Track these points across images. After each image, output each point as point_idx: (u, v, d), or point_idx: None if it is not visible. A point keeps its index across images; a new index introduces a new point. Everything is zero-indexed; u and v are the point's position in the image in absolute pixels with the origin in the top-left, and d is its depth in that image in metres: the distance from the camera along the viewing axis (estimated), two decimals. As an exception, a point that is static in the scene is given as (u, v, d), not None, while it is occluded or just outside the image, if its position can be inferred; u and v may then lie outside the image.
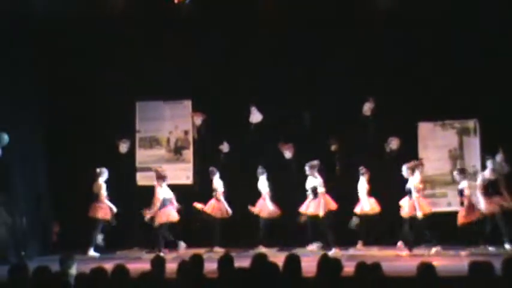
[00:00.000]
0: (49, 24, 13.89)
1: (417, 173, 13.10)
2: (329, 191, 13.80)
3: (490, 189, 13.01)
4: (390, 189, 13.81)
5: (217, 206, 14.39)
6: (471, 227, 13.02)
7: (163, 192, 13.96)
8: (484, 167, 13.60)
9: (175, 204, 14.09)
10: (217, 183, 14.45)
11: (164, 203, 13.90)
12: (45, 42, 14.43)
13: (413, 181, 13.05)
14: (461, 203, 13.16)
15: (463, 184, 13.21)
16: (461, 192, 13.18)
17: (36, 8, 13.19)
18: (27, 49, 14.19)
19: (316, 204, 13.67)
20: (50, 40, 14.44)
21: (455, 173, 13.59)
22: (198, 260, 7.33)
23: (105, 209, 14.19)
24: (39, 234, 14.46)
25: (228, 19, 14.15)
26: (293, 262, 7.08)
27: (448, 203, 13.99)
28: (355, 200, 13.97)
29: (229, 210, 14.36)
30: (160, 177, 14.03)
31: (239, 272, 6.98)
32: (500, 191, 12.99)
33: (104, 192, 14.21)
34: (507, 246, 12.70)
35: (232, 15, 14.06)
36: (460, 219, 13.07)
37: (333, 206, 13.73)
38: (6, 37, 13.46)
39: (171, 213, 13.97)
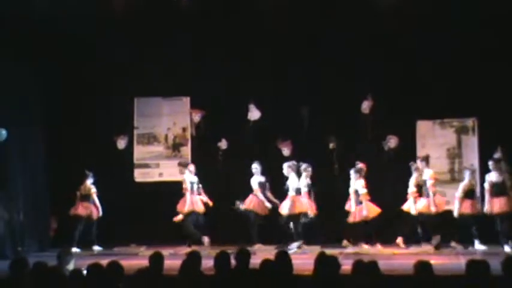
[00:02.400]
0: (48, 23, 13.86)
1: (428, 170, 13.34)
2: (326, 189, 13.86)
3: (496, 189, 13.03)
4: (388, 188, 13.82)
5: (256, 202, 14.29)
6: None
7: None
8: (483, 166, 13.60)
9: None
10: (253, 181, 14.30)
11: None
12: (44, 40, 14.41)
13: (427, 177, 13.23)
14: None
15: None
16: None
17: (34, 6, 13.15)
18: (27, 47, 14.17)
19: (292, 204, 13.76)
20: (49, 38, 14.42)
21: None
22: (195, 258, 7.33)
23: (90, 207, 14.33)
24: (36, 230, 14.46)
25: (227, 16, 14.12)
26: (283, 259, 7.10)
27: (446, 201, 13.93)
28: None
29: (269, 206, 14.19)
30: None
31: (236, 270, 7.00)
32: (507, 191, 13.01)
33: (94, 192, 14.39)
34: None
35: (231, 12, 14.04)
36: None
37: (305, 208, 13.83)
38: (6, 36, 13.46)
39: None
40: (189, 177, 14.28)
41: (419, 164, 13.50)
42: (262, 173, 14.24)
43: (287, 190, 13.84)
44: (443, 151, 14.64)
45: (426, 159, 13.59)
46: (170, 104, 15.76)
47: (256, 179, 14.22)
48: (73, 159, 14.81)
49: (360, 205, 13.56)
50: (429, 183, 13.25)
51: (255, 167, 14.18)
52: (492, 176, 13.09)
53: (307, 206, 13.82)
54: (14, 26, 13.48)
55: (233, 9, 13.93)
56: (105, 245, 14.34)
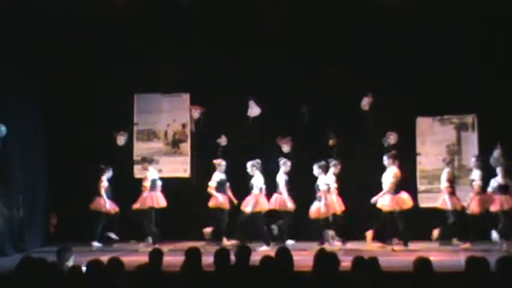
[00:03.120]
0: (48, 20, 13.86)
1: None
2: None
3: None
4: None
5: (281, 199, 14.06)
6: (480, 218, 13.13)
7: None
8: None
9: None
10: (279, 178, 14.10)
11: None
12: (45, 37, 14.42)
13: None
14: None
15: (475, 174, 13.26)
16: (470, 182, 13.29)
17: (35, 5, 13.15)
18: (28, 44, 14.18)
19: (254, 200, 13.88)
20: (49, 35, 14.42)
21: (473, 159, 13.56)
22: (195, 254, 7.33)
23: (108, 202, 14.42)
24: (36, 226, 14.47)
25: (227, 13, 14.13)
26: (284, 255, 7.11)
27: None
28: (353, 193, 13.93)
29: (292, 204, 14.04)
30: None
31: (236, 266, 7.00)
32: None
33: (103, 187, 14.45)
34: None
35: (231, 10, 14.04)
36: (475, 208, 13.14)
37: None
38: (6, 35, 13.46)
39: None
40: (152, 174, 14.31)
41: (474, 163, 13.43)
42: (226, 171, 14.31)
43: (251, 188, 13.90)
44: (443, 148, 14.63)
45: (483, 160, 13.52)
46: (170, 100, 15.75)
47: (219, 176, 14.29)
48: (73, 156, 14.82)
49: (321, 201, 13.60)
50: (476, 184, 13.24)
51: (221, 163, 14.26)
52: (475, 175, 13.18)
53: (284, 204, 13.88)
54: (14, 25, 13.49)
55: (233, 5, 13.93)
56: (104, 241, 14.35)
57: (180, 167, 15.50)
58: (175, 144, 15.72)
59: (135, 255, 11.79)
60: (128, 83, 15.16)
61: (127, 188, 14.83)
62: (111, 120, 15.13)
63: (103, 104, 15.12)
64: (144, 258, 7.72)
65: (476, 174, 13.20)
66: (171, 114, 15.74)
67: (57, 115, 15.13)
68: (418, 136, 14.69)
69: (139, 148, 15.69)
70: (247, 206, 13.84)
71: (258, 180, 13.92)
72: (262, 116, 14.83)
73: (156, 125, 15.78)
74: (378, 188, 13.46)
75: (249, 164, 13.94)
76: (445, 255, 12.00)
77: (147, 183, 14.17)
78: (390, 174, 13.31)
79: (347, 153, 14.20)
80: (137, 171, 15.41)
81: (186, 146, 15.67)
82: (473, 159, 13.44)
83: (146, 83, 15.24)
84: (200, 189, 14.43)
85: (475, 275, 6.42)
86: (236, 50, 14.50)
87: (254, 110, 14.90)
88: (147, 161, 14.48)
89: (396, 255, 12.06)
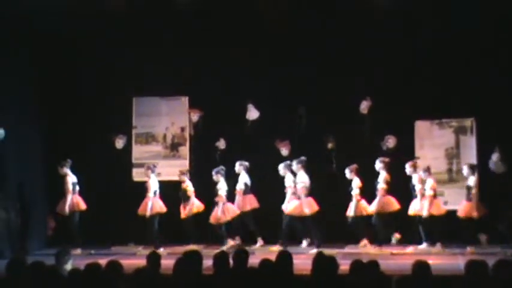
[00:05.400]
0: (46, 22, 13.86)
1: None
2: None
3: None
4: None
5: (306, 202, 13.94)
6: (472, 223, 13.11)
7: None
8: (481, 166, 13.61)
9: None
10: (302, 178, 14.00)
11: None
12: (43, 40, 14.43)
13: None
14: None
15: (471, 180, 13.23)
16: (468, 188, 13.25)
17: (29, 5, 13.14)
18: (25, 48, 14.18)
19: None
20: (48, 38, 14.44)
21: (464, 167, 13.53)
22: (195, 257, 7.32)
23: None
24: (34, 229, 14.45)
25: (225, 16, 14.13)
26: (285, 259, 7.11)
27: (444, 201, 13.94)
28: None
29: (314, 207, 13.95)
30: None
31: (235, 270, 6.99)
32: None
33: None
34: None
35: (229, 12, 14.04)
36: (463, 212, 13.14)
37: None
38: (4, 36, 13.46)
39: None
40: (154, 185, 14.28)
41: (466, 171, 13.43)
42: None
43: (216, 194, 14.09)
44: (441, 151, 14.63)
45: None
46: (169, 103, 15.74)
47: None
48: (71, 158, 14.78)
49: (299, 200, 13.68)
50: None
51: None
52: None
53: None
54: (12, 26, 13.48)
55: (232, 9, 13.93)
56: (102, 244, 14.31)
57: (178, 170, 15.46)
58: (174, 147, 15.71)
59: (134, 259, 11.77)
60: (127, 86, 15.15)
61: (125, 191, 14.82)
62: (110, 124, 15.12)
63: (102, 107, 15.12)
64: (142, 262, 7.71)
65: (471, 181, 13.20)
66: (169, 117, 15.73)
67: (55, 118, 15.11)
68: (417, 140, 14.67)
69: (138, 151, 15.68)
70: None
71: (222, 186, 14.00)
72: (261, 120, 14.83)
73: (154, 128, 15.77)
74: (374, 191, 13.51)
75: (214, 171, 14.05)
76: (443, 258, 12.00)
77: (150, 194, 14.16)
78: (381, 179, 13.40)
79: (345, 156, 14.19)
80: (136, 175, 15.40)
81: (185, 150, 15.66)
82: (465, 167, 13.42)
83: (145, 86, 15.23)
84: (198, 193, 14.42)
85: (474, 279, 6.42)
86: (235, 53, 14.49)
87: (253, 114, 14.89)
88: (150, 168, 14.41)
89: (394, 259, 12.06)
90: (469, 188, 13.19)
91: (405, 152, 14.12)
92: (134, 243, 14.29)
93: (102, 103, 15.13)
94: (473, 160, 14.16)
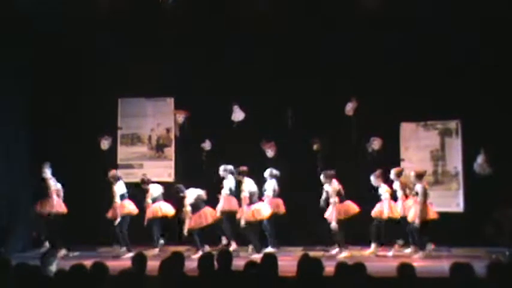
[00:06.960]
0: (31, 23, 13.83)
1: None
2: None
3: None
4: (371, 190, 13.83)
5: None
6: None
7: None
8: (466, 169, 13.67)
9: None
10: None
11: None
12: (29, 41, 14.38)
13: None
14: None
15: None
16: None
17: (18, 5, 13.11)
18: (11, 48, 14.11)
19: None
20: (34, 39, 14.40)
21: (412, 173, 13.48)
22: (179, 258, 7.31)
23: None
24: (19, 230, 14.37)
25: (211, 16, 14.13)
26: (270, 261, 7.11)
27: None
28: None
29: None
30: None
31: (219, 271, 6.98)
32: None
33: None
34: None
35: (215, 12, 14.04)
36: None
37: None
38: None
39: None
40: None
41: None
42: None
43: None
44: (426, 153, 14.65)
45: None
46: (154, 104, 15.74)
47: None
48: (57, 160, 14.72)
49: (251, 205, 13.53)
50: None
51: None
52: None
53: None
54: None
55: (217, 9, 13.95)
56: (88, 246, 14.26)
57: (164, 171, 15.47)
58: (159, 148, 15.70)
59: (119, 260, 11.75)
60: (112, 87, 15.13)
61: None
62: (95, 125, 15.09)
63: (87, 108, 15.09)
64: (127, 263, 7.70)
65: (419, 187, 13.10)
66: (155, 118, 15.73)
67: (41, 119, 15.05)
68: (402, 142, 14.69)
69: (124, 152, 15.68)
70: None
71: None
72: (246, 121, 14.82)
73: (140, 129, 15.76)
74: (361, 193, 13.50)
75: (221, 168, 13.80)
76: (428, 261, 12.03)
77: (149, 201, 14.06)
78: (383, 191, 13.30)
79: (331, 158, 14.19)
80: (121, 176, 15.34)
81: (170, 151, 15.65)
82: (412, 174, 13.31)
83: (130, 87, 15.20)
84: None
85: (459, 281, 6.44)
86: (221, 54, 14.50)
87: (238, 115, 14.90)
88: (145, 182, 14.29)
89: (379, 261, 12.08)
90: (417, 194, 13.06)
91: (390, 153, 14.15)
92: (119, 245, 14.22)
93: (87, 104, 15.10)
94: (459, 162, 14.21)
